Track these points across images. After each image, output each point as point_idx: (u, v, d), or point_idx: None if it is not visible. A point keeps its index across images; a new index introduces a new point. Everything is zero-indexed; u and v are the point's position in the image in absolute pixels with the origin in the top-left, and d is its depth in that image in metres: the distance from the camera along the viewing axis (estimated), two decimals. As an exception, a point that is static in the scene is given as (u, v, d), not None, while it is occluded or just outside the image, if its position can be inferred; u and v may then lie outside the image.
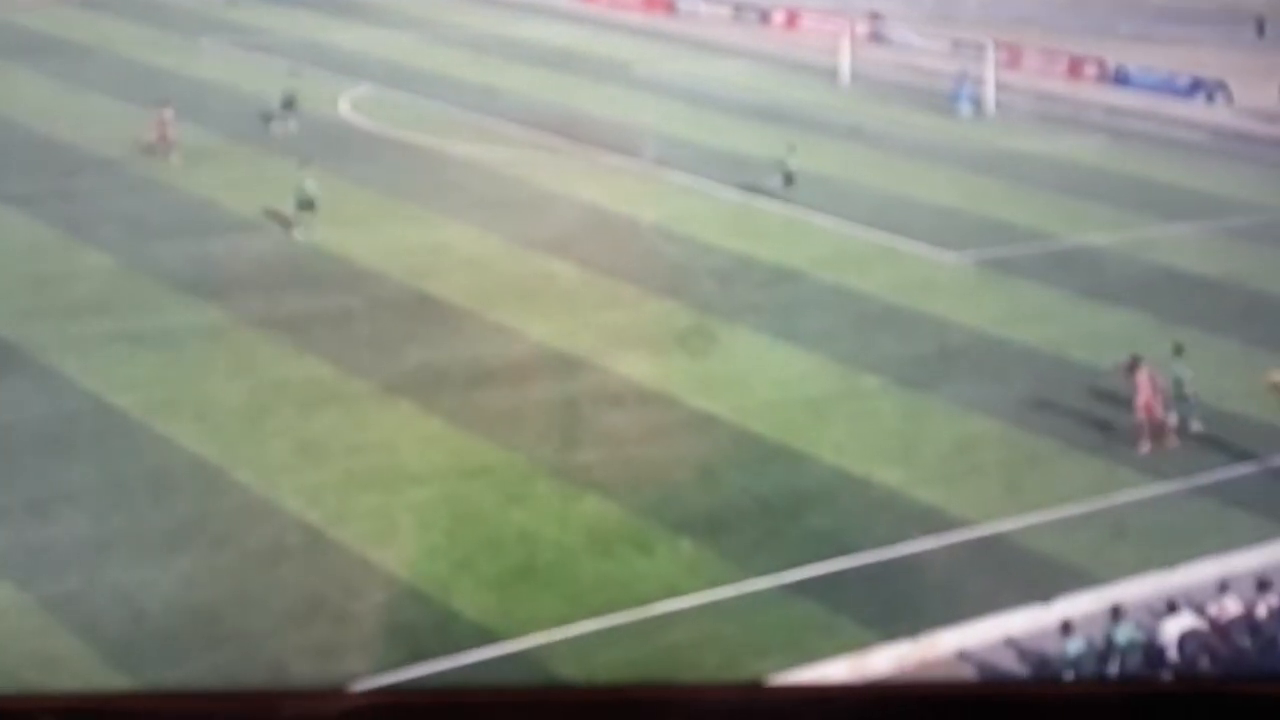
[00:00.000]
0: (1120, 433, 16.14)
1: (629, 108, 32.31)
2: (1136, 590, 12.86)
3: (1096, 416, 16.78)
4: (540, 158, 27.98)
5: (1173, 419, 16.22)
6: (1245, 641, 12.36)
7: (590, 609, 12.52)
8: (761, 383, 17.75)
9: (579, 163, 27.72)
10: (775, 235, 23.72)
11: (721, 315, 19.91)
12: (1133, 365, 16.23)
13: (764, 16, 44.17)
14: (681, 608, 12.68)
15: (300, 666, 11.73)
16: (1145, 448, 15.85)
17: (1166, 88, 35.56)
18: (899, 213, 24.85)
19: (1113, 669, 11.77)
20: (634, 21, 43.67)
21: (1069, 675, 11.66)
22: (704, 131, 30.31)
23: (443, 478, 14.96)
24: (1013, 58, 37.28)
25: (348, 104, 31.18)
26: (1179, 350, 16.77)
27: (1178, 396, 16.35)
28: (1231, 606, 12.41)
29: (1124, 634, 11.82)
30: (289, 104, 28.27)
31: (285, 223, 22.53)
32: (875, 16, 42.38)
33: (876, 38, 41.27)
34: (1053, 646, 11.89)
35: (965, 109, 32.67)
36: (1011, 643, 12.35)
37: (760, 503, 14.65)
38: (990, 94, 33.46)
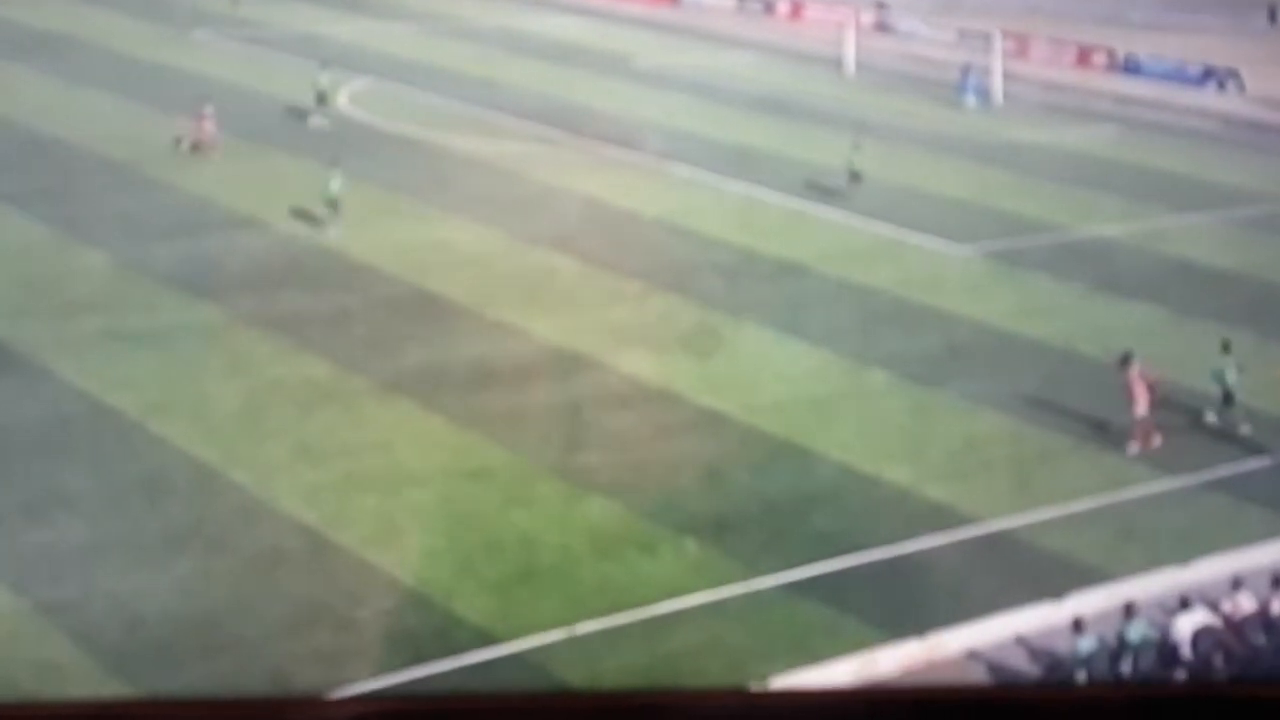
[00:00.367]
0: (1129, 428, 15.86)
1: (631, 101, 32.08)
2: (1149, 587, 12.68)
3: (1108, 412, 16.51)
4: (542, 152, 27.77)
5: (1211, 417, 15.77)
6: (1260, 638, 12.15)
7: (593, 611, 12.38)
8: (767, 380, 17.54)
9: (581, 157, 27.51)
10: (780, 229, 23.49)
11: (726, 311, 19.69)
12: (1124, 360, 15.85)
13: (768, 7, 43.89)
14: (686, 609, 12.48)
15: (299, 671, 11.57)
16: (1134, 449, 15.47)
17: (1177, 76, 35.22)
18: (906, 205, 24.59)
19: (1125, 667, 11.59)
20: (636, 13, 43.40)
21: (1081, 674, 11.50)
22: (707, 124, 30.08)
23: (443, 478, 14.80)
24: (1020, 47, 36.95)
25: (347, 98, 30.98)
26: (1226, 347, 16.37)
27: (1224, 396, 15.99)
28: (1245, 603, 12.21)
29: (1137, 632, 11.63)
30: (322, 99, 28.30)
31: (313, 221, 22.24)
32: (881, 6, 42.07)
33: (882, 28, 40.96)
34: (1064, 645, 11.70)
35: (970, 101, 32.35)
36: (1022, 641, 12.18)
37: (766, 502, 14.47)
38: (998, 84, 33.16)
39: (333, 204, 21.82)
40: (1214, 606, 12.09)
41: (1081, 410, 16.56)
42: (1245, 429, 15.99)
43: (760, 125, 30.03)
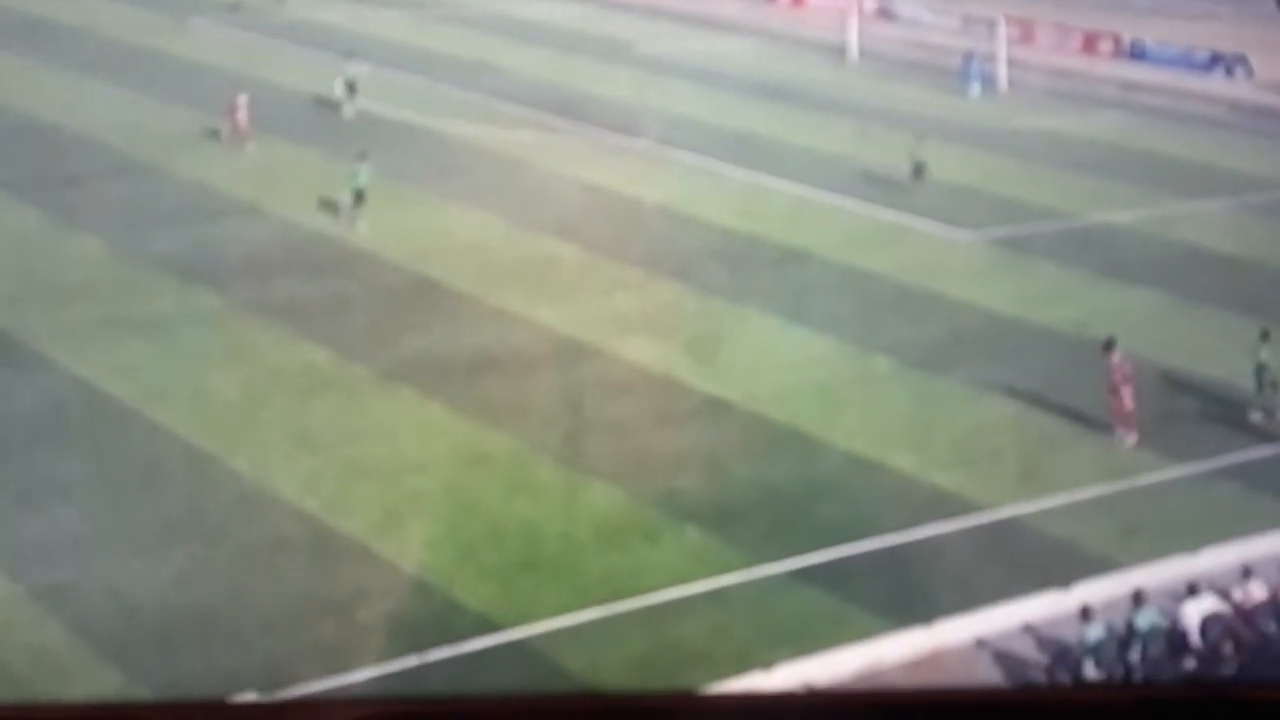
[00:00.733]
0: (1142, 415, 15.69)
1: (633, 87, 31.86)
2: (1158, 575, 12.53)
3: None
4: (542, 139, 27.59)
5: (1257, 416, 15.51)
6: (1270, 627, 11.99)
7: (596, 600, 12.28)
8: (770, 367, 17.40)
9: (582, 143, 27.33)
10: (783, 216, 23.31)
11: (729, 298, 19.54)
12: (1108, 346, 15.62)
13: (770, -6, 43.54)
14: (689, 597, 12.35)
15: (298, 661, 11.47)
16: (1132, 439, 15.23)
17: (1184, 62, 34.96)
18: (911, 192, 24.38)
19: (1134, 656, 11.47)
20: (637, -1, 43.11)
21: (1089, 663, 11.36)
22: (709, 110, 29.87)
23: (444, 466, 14.68)
24: (1025, 33, 36.68)
25: (341, 85, 30.74)
26: (1265, 335, 16.12)
27: (1261, 385, 15.75)
28: (1256, 591, 12.07)
29: (1146, 620, 11.50)
30: (351, 87, 28.28)
31: (337, 212, 21.96)
32: (884, -8, 41.74)
33: (885, 14, 40.66)
34: (1072, 633, 11.54)
35: (975, 89, 32.05)
36: (1029, 630, 12.04)
37: (770, 490, 14.34)
38: (1002, 71, 32.90)
39: (360, 197, 21.50)
40: (1225, 595, 11.95)
41: (1089, 397, 16.39)
42: None
43: (762, 112, 29.83)
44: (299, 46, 34.45)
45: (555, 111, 29.18)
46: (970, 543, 13.51)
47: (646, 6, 42.24)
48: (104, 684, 11.16)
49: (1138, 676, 11.48)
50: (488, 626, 11.92)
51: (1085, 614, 11.49)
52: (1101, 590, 12.23)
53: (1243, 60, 34.48)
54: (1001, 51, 33.20)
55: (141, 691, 11.08)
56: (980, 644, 11.91)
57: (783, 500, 14.15)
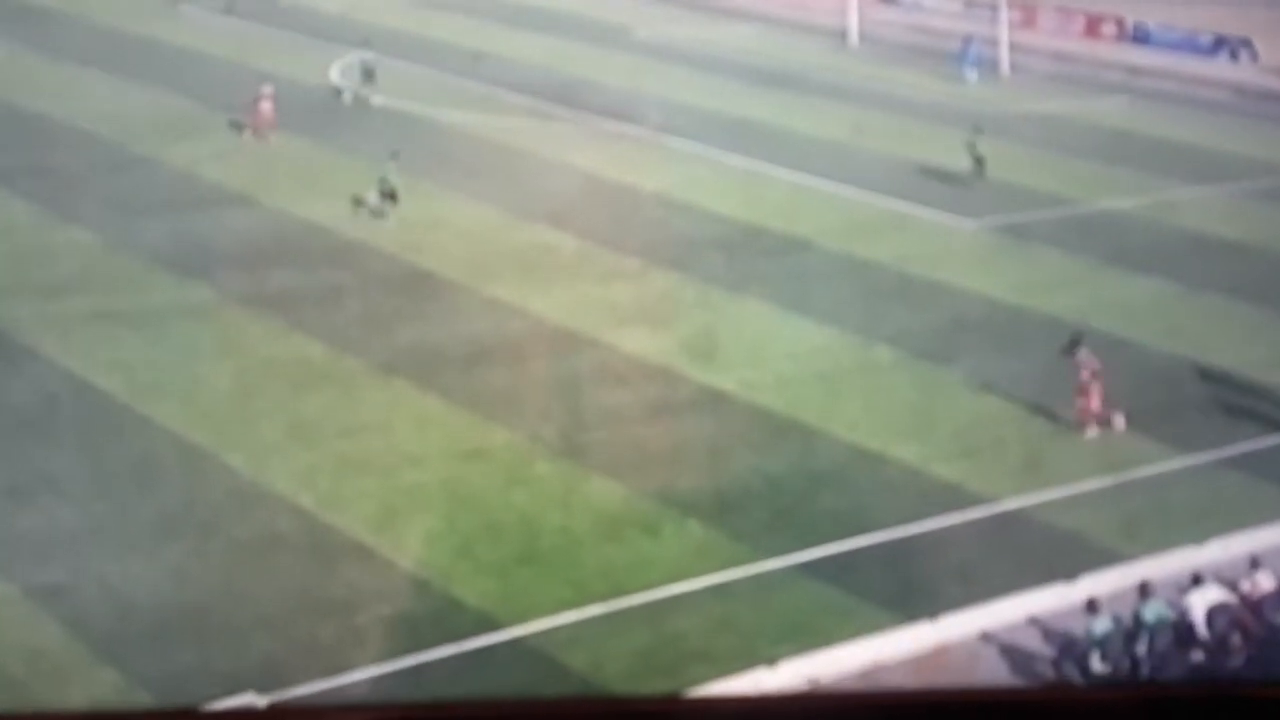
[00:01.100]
0: (1132, 401, 15.48)
1: (630, 73, 31.59)
2: (1165, 567, 12.38)
3: (1121, 388, 16.13)
4: (538, 126, 27.35)
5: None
6: (1279, 618, 11.81)
7: (596, 594, 12.15)
8: (771, 357, 17.21)
9: (578, 130, 27.09)
10: (783, 204, 23.10)
11: (728, 287, 19.35)
12: (1072, 344, 15.35)
13: (769, -22, 43.14)
14: (691, 591, 12.19)
15: (293, 658, 11.31)
16: (1093, 432, 14.97)
17: (1188, 46, 34.68)
18: (912, 179, 24.16)
19: (1141, 649, 11.31)
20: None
21: (1095, 655, 11.21)
22: (707, 96, 29.62)
23: (440, 460, 14.51)
24: (1027, 17, 36.39)
25: (338, 72, 30.47)
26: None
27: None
28: (1265, 583, 11.90)
29: (1152, 612, 11.36)
30: (369, 75, 28.14)
31: (362, 206, 21.65)
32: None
33: (885, -1, 40.27)
34: (1078, 626, 11.38)
35: (970, 75, 31.65)
36: (1035, 623, 11.87)
37: (771, 482, 14.19)
38: (1004, 55, 32.60)
39: (391, 194, 21.20)
40: (1232, 586, 11.79)
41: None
42: None
43: (762, 98, 29.56)
44: (291, 33, 34.10)
45: (551, 98, 28.93)
46: (974, 534, 13.35)
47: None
48: (100, 683, 11.00)
49: (1145, 669, 11.34)
50: (486, 621, 11.78)
51: (1091, 607, 11.37)
52: (1108, 583, 12.08)
53: (1248, 44, 34.18)
54: (1004, 35, 32.91)
55: (139, 692, 10.93)
56: (985, 637, 11.76)
57: (784, 492, 14.00)
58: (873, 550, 12.95)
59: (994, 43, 32.74)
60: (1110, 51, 34.95)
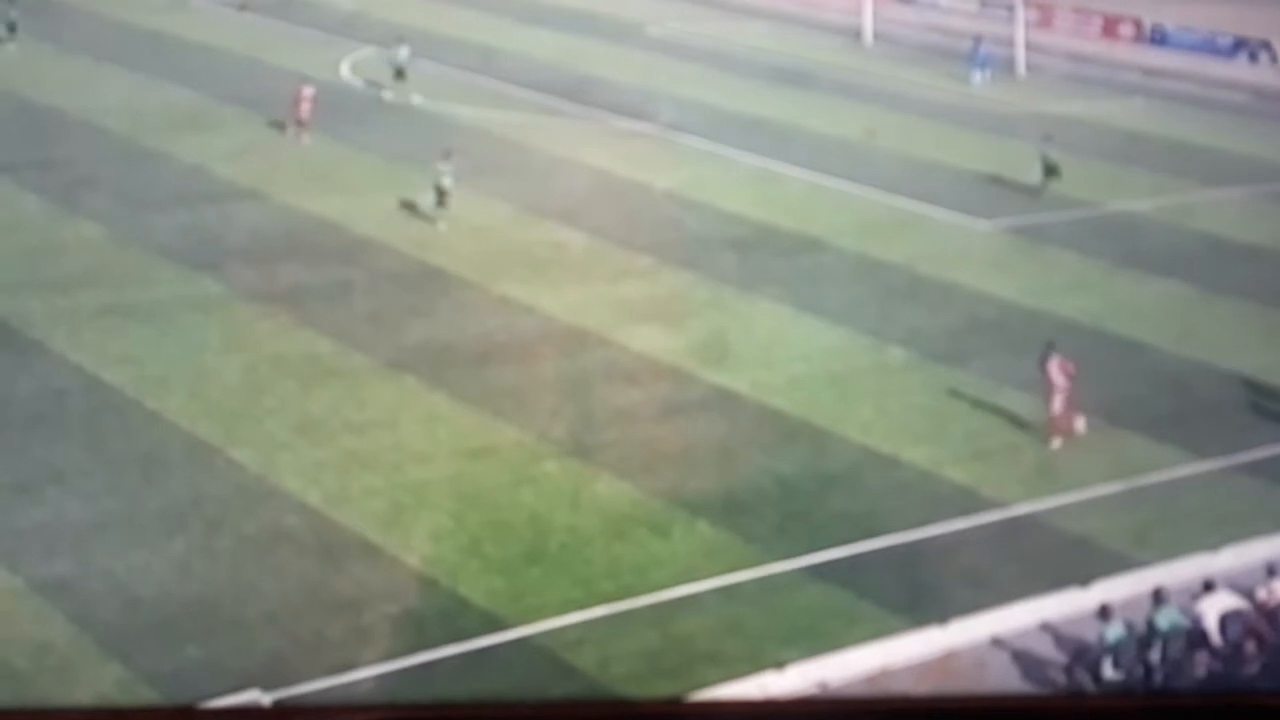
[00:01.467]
0: (1146, 406, 15.32)
1: (642, 70, 31.47)
2: (1179, 573, 12.21)
3: (1135, 392, 15.97)
4: (549, 122, 27.26)
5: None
6: (1295, 627, 11.65)
7: (604, 595, 12.08)
8: (783, 357, 17.10)
9: (590, 127, 26.99)
10: (796, 203, 22.96)
11: (740, 287, 19.24)
12: (1045, 354, 15.11)
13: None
14: (699, 593, 12.09)
15: (298, 655, 11.25)
16: (1057, 443, 14.79)
17: (1207, 47, 34.44)
18: (926, 179, 24.00)
19: (1154, 656, 11.17)
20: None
21: (1108, 662, 11.06)
22: (719, 94, 29.49)
23: (449, 457, 14.44)
24: (1044, 17, 36.17)
25: (349, 67, 30.44)
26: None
27: None
28: (1280, 590, 11.70)
29: (1166, 619, 11.23)
30: (400, 74, 28.19)
31: (418, 212, 21.47)
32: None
33: (901, -2, 40.05)
34: (1091, 632, 11.24)
35: (976, 77, 31.20)
36: (1047, 628, 11.74)
37: (782, 483, 14.08)
38: (1020, 55, 32.36)
39: (443, 196, 21.04)
40: (1248, 594, 11.63)
41: (1107, 390, 16.04)
42: None
43: (775, 96, 29.41)
44: (309, 29, 34.04)
45: (562, 94, 28.84)
46: (986, 538, 13.23)
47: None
48: (105, 678, 10.97)
49: (1158, 677, 11.20)
50: (492, 620, 11.71)
51: (1104, 613, 11.24)
52: (1121, 588, 11.94)
53: (1266, 45, 33.92)
54: (1020, 35, 32.67)
55: (143, 687, 10.88)
56: (996, 643, 11.64)
57: (794, 494, 13.90)
58: (883, 553, 12.85)
59: (1010, 43, 32.52)
60: (1127, 52, 34.72)
